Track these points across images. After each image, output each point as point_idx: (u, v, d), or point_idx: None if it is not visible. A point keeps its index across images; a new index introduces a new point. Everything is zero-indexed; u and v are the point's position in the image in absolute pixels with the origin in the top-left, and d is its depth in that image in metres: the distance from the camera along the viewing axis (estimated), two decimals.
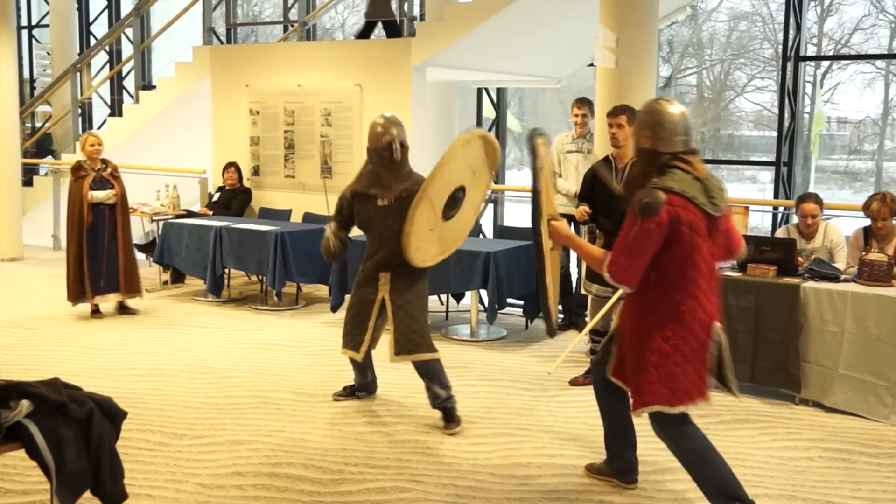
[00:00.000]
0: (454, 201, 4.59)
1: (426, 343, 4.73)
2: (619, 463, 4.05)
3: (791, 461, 4.38)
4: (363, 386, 5.20)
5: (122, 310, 7.36)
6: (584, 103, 6.90)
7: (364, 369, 5.11)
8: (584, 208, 5.37)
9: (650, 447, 4.47)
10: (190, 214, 8.56)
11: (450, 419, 4.74)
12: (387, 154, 4.68)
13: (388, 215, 4.68)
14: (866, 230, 5.53)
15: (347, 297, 7.17)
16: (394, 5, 8.75)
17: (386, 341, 4.79)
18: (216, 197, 8.94)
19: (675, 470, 3.93)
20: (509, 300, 6.88)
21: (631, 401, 3.64)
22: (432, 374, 4.75)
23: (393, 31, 8.78)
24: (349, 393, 5.22)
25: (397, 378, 5.47)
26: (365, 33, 8.95)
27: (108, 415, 3.37)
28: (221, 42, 10.55)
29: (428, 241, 4.60)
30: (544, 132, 3.82)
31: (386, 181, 4.69)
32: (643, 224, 3.30)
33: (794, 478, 4.18)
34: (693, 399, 3.47)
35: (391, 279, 4.73)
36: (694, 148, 3.46)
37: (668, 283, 3.41)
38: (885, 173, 15.29)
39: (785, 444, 4.62)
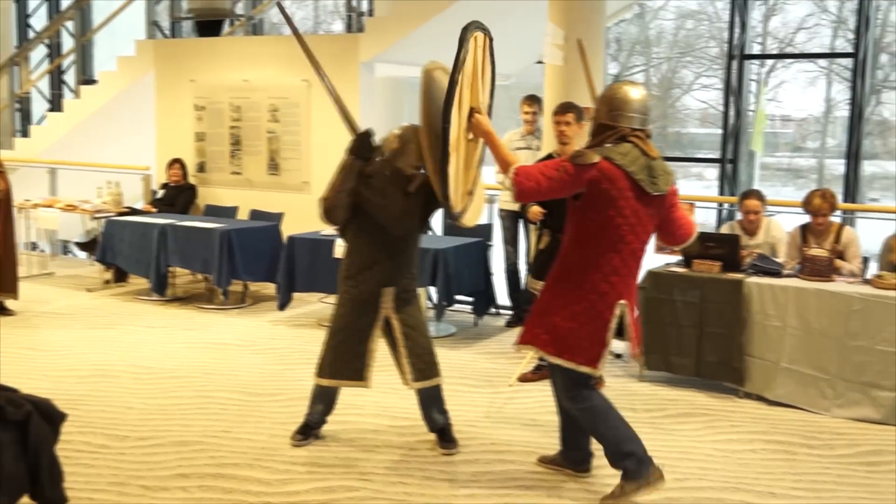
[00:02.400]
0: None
1: (437, 366, 4.34)
2: (575, 453, 4.11)
3: (735, 454, 4.45)
4: (323, 420, 4.52)
5: (1, 311, 7.11)
6: (534, 101, 6.93)
7: (334, 400, 4.47)
8: (539, 209, 5.35)
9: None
10: (133, 212, 8.40)
11: (448, 440, 4.40)
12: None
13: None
14: (804, 228, 5.63)
15: (295, 296, 7.18)
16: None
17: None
18: (160, 194, 8.80)
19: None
20: (458, 297, 6.87)
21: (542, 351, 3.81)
22: (435, 399, 4.39)
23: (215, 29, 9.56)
24: (310, 434, 4.48)
25: None
26: (201, 32, 9.62)
27: (47, 417, 3.28)
28: (165, 36, 10.37)
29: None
30: (485, 28, 3.72)
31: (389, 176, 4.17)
32: (566, 163, 3.59)
33: (738, 470, 4.24)
34: (588, 363, 3.70)
35: (395, 295, 4.22)
36: (648, 130, 3.71)
37: (585, 257, 3.67)
38: (827, 170, 15.62)
39: (729, 436, 4.69)
